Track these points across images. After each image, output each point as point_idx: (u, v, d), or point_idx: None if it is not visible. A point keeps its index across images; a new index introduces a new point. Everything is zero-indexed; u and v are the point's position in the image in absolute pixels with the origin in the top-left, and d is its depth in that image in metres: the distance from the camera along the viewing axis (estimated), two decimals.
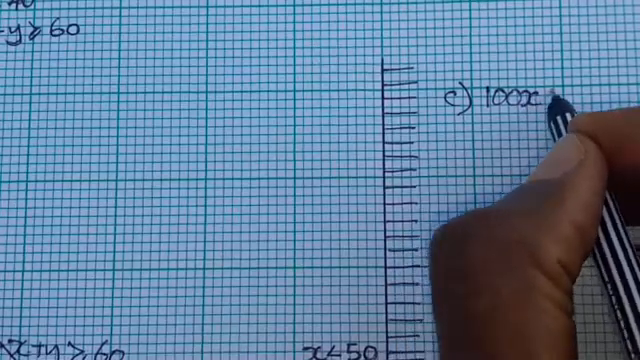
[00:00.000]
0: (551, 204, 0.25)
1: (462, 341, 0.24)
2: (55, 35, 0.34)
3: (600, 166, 0.26)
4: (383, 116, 0.33)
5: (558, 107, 0.31)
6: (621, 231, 0.26)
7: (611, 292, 0.25)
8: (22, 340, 0.32)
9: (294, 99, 0.33)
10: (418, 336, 0.31)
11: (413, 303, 0.32)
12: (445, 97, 0.33)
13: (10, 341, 0.32)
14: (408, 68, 0.33)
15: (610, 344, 0.31)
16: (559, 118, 0.30)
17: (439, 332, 0.25)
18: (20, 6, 0.34)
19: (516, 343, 0.23)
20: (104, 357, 0.32)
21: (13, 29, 0.34)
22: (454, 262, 0.25)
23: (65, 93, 0.33)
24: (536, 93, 0.33)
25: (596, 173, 0.26)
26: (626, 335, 0.25)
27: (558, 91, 0.33)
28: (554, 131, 0.30)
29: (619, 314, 0.25)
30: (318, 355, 0.31)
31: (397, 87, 0.33)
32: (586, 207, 0.25)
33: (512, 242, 0.24)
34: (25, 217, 0.33)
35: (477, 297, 0.24)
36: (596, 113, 0.29)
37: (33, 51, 0.34)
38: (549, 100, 0.32)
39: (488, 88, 0.33)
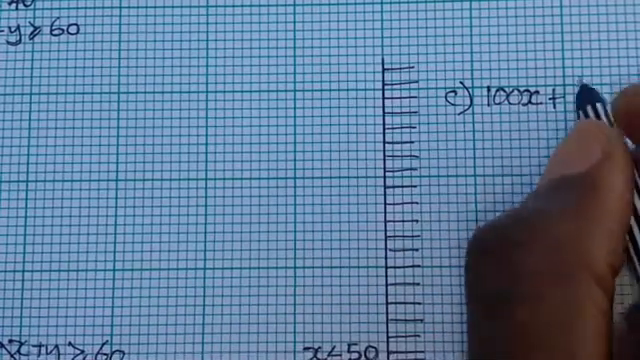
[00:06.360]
0: (589, 203, 0.24)
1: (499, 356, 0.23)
2: (55, 35, 0.34)
3: (627, 153, 0.25)
4: (384, 115, 0.33)
5: (588, 96, 0.29)
6: None
7: None
8: (22, 340, 0.32)
9: (294, 99, 0.33)
10: (419, 336, 0.31)
11: (414, 303, 0.32)
12: (446, 96, 0.33)
13: (10, 341, 0.32)
14: (409, 67, 0.33)
15: None
16: (589, 108, 0.29)
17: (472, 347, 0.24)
18: (20, 6, 0.34)
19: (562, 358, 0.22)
20: (104, 357, 0.32)
21: (13, 29, 0.34)
22: (498, 269, 0.23)
23: (65, 93, 0.33)
24: (537, 92, 0.33)
25: (626, 162, 0.25)
26: None
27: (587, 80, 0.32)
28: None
29: None
30: (319, 355, 0.31)
31: (398, 86, 0.33)
32: (622, 200, 0.24)
33: (560, 248, 0.23)
34: (25, 217, 0.33)
35: (522, 305, 0.22)
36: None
37: (33, 51, 0.34)
38: (577, 88, 0.31)
39: (489, 87, 0.33)
